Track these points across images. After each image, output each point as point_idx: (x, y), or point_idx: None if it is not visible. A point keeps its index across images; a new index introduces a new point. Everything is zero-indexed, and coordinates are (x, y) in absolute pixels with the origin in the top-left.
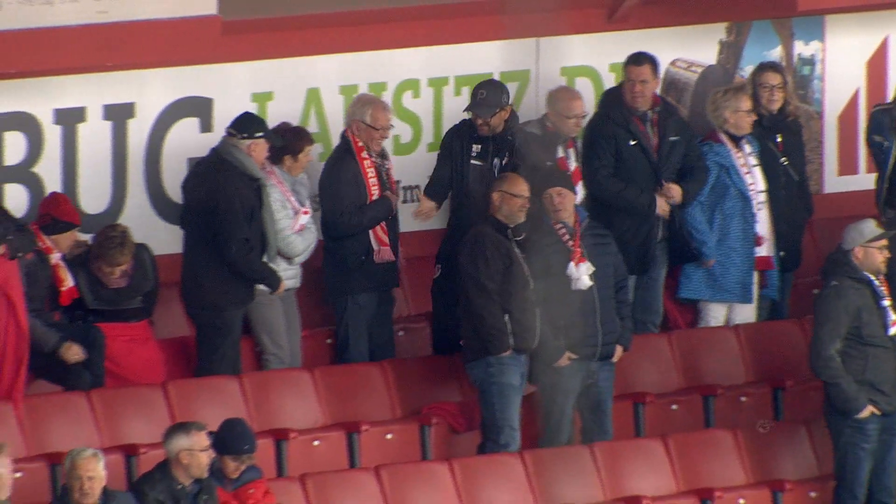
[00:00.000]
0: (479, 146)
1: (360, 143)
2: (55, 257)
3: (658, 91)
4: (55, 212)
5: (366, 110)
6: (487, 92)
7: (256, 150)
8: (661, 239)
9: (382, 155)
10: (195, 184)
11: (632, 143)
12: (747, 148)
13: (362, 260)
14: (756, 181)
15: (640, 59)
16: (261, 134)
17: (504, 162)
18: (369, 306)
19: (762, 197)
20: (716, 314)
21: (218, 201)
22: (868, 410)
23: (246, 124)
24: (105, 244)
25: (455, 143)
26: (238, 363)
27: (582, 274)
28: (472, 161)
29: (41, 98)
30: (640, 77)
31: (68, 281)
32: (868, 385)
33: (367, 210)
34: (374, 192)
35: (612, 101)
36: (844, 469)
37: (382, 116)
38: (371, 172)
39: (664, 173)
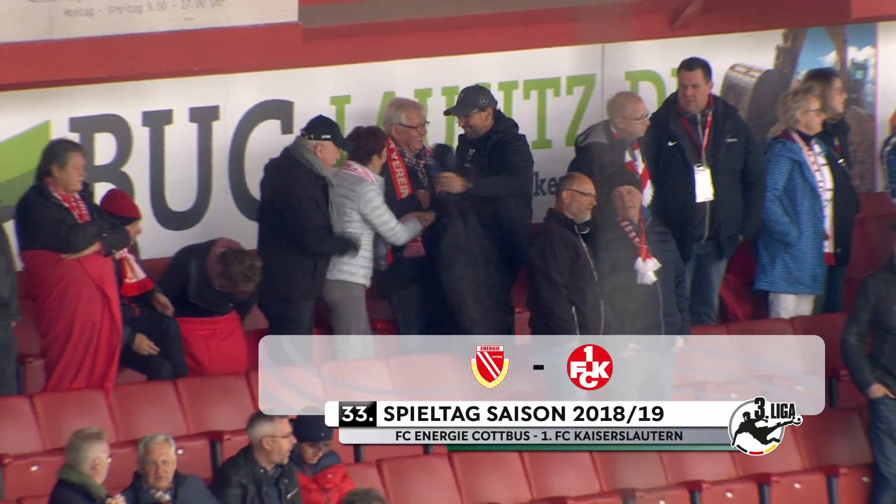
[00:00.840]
0: (474, 150)
1: (392, 146)
2: (122, 251)
3: (717, 94)
4: (113, 208)
5: (400, 113)
6: (465, 94)
7: (323, 151)
8: (708, 237)
9: (419, 155)
10: (265, 180)
11: (670, 143)
12: (816, 148)
13: (396, 256)
14: (824, 179)
15: (691, 65)
16: (327, 136)
17: (455, 159)
18: (413, 299)
19: (828, 195)
20: (786, 305)
21: (287, 197)
22: (879, 391)
23: (315, 127)
24: (239, 276)
25: (461, 148)
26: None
27: (648, 269)
28: (466, 164)
29: (130, 101)
30: (691, 81)
31: (135, 274)
32: (882, 369)
33: (393, 207)
34: (403, 191)
35: (667, 104)
36: (872, 450)
37: (416, 115)
38: (400, 172)
39: (717, 175)
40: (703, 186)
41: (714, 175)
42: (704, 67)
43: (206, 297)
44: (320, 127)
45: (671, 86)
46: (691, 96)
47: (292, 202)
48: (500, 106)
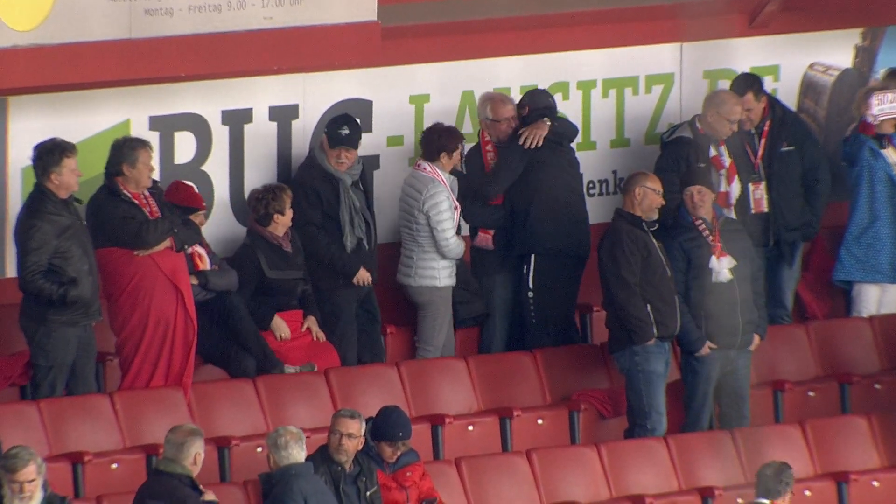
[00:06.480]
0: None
1: (487, 138)
2: (192, 245)
3: (796, 94)
4: (175, 199)
5: (486, 107)
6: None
7: (323, 146)
8: (774, 243)
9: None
10: None
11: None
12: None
13: None
14: None
15: (741, 89)
16: (325, 131)
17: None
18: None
19: None
20: (868, 297)
21: (294, 191)
22: None
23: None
24: (265, 195)
25: None
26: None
27: (723, 267)
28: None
29: (210, 99)
30: (745, 106)
31: (205, 264)
32: None
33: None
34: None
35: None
36: None
37: (502, 109)
38: (491, 156)
39: (774, 184)
40: (758, 198)
41: (770, 185)
42: (753, 87)
43: (278, 264)
44: (330, 121)
45: None
46: (746, 119)
47: (297, 195)
48: (578, 105)
